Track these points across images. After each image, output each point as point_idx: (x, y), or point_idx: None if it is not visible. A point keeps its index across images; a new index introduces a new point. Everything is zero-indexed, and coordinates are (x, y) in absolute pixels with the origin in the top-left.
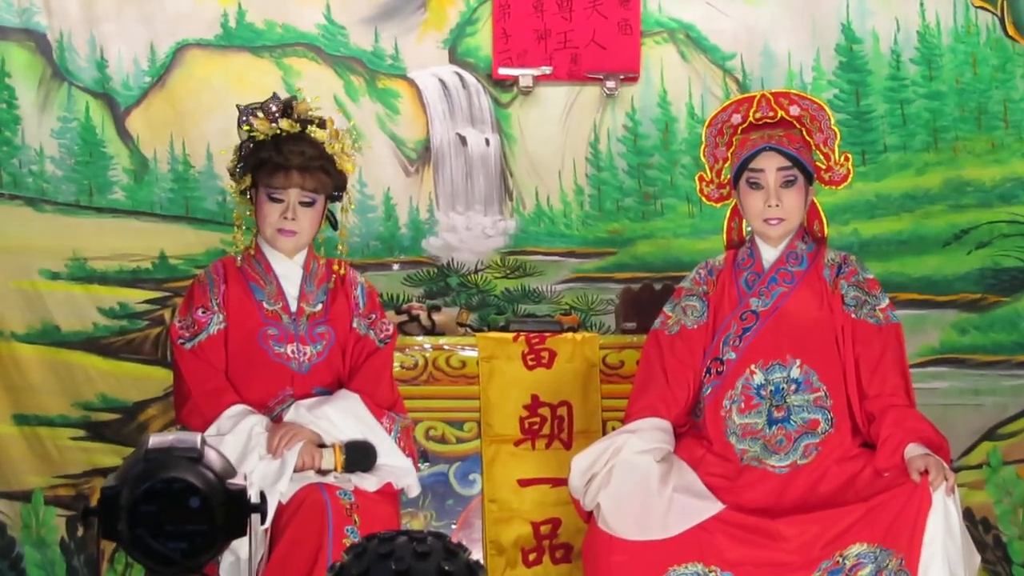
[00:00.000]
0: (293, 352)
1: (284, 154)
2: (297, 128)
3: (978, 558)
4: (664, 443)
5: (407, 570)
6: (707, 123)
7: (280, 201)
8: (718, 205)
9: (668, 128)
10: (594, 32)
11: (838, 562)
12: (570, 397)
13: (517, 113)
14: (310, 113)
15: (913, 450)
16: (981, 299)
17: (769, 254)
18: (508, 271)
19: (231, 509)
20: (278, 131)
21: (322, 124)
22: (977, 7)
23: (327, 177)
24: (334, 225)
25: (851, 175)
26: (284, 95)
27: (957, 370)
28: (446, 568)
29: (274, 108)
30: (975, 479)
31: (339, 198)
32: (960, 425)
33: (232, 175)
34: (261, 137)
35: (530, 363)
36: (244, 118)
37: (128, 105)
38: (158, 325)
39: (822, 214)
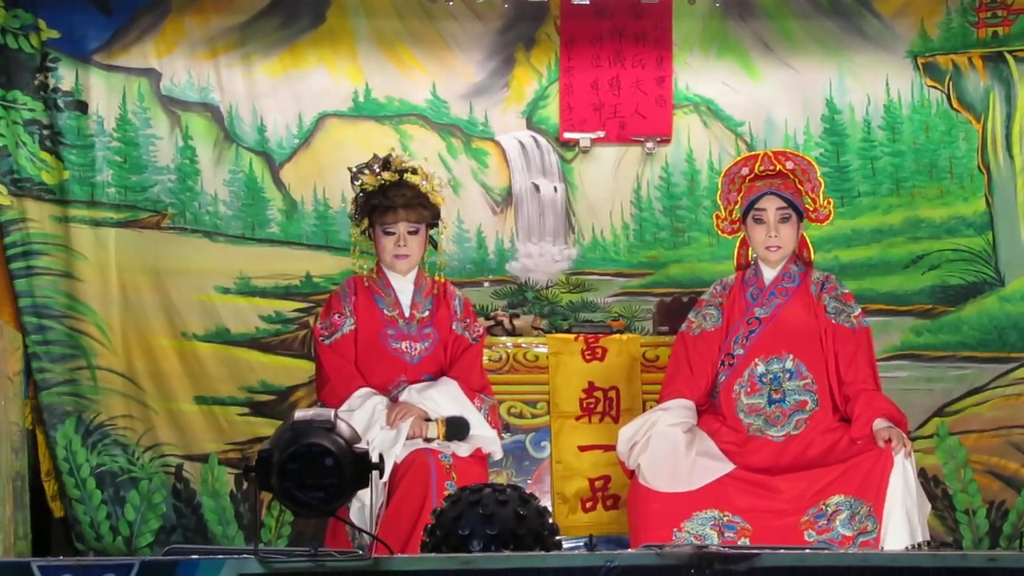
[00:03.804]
0: (406, 348)
1: (391, 198)
2: (396, 177)
3: (928, 506)
4: (689, 418)
5: (491, 514)
6: (722, 174)
7: (392, 233)
8: (730, 237)
9: (693, 179)
10: (637, 105)
11: (822, 509)
12: (618, 383)
13: (578, 167)
14: (404, 164)
15: (879, 424)
16: (932, 309)
17: (769, 274)
18: (571, 287)
19: (357, 467)
20: (383, 181)
21: (414, 171)
22: (929, 86)
23: (425, 210)
24: (435, 246)
25: (832, 214)
26: (394, 153)
27: (914, 363)
28: (521, 512)
29: (376, 165)
30: (928, 446)
31: (436, 225)
32: (916, 405)
33: (353, 220)
34: (370, 188)
35: (587, 357)
36: (356, 176)
37: (282, 161)
38: (304, 328)
39: (809, 244)
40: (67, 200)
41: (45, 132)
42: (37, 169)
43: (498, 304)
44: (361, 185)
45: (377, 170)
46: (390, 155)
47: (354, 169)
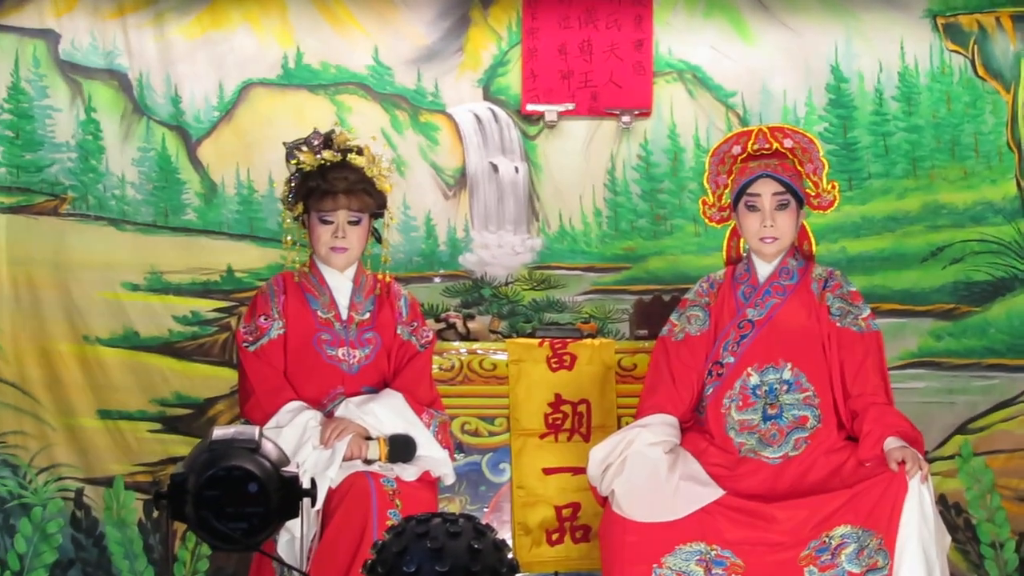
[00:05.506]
0: (344, 355)
1: (330, 181)
2: (339, 157)
3: (948, 539)
4: (671, 436)
5: (440, 548)
6: (710, 153)
7: (330, 223)
8: (719, 226)
9: (677, 158)
10: (611, 73)
11: (825, 541)
12: (589, 396)
13: (543, 144)
14: (348, 143)
15: (891, 443)
16: (954, 309)
17: (764, 269)
18: (535, 284)
19: (285, 493)
20: (323, 161)
21: (360, 151)
22: (951, 51)
23: (369, 198)
24: (379, 239)
25: (837, 201)
26: (337, 129)
27: (933, 372)
28: (475, 546)
29: (316, 142)
30: (949, 468)
31: (381, 215)
32: (936, 421)
33: (285, 204)
34: (308, 168)
35: (553, 366)
36: (291, 153)
37: (199, 137)
38: (225, 331)
39: (811, 234)
40: None
41: None
42: None
43: (450, 303)
44: (297, 164)
45: (317, 147)
46: (333, 131)
47: (290, 144)
